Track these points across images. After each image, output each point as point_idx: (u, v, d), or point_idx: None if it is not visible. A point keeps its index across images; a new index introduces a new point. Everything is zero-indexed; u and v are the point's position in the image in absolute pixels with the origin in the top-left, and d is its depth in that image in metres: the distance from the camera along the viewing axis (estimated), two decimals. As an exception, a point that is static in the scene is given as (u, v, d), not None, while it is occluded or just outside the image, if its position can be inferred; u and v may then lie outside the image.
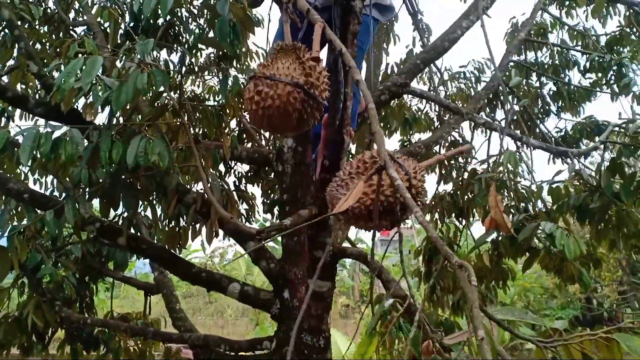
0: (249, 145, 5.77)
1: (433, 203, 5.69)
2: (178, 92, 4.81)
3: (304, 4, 1.98)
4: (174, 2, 3.84)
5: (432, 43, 4.40)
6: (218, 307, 20.78)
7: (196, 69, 6.42)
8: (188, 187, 4.48)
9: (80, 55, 3.36)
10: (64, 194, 4.43)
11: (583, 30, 6.35)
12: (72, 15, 5.81)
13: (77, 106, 3.20)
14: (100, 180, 2.96)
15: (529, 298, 16.34)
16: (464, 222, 5.49)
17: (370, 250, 1.64)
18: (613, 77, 5.69)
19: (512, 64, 5.93)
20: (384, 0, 2.95)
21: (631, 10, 5.66)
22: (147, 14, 2.47)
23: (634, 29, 5.72)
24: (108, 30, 3.89)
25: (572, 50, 6.37)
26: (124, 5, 5.40)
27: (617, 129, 4.11)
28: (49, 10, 5.49)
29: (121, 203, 2.91)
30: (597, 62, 5.71)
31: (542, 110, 6.47)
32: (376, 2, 3.02)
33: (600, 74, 5.93)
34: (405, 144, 6.47)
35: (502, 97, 5.30)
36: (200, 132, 4.21)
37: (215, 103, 5.60)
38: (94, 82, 2.53)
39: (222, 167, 5.80)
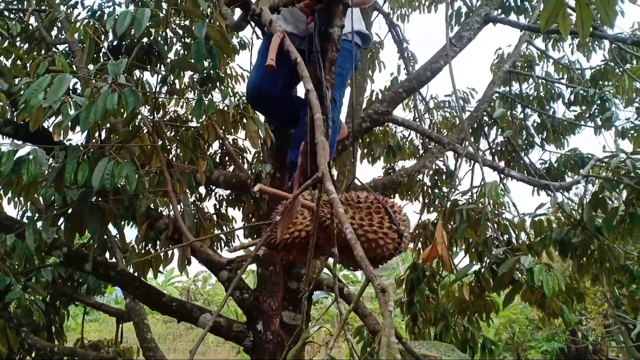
0: (232, 168, 5.69)
1: (417, 232, 5.62)
2: (158, 112, 4.73)
3: (267, 16, 1.94)
4: (152, 23, 3.80)
5: (414, 72, 4.37)
6: (199, 332, 20.38)
7: (178, 88, 6.37)
8: (163, 210, 4.38)
9: (49, 72, 3.28)
10: (37, 216, 4.32)
11: (568, 64, 6.39)
12: (55, 32, 5.75)
13: (48, 126, 3.11)
14: (65, 204, 2.85)
15: (514, 329, 16.21)
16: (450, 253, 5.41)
17: (334, 283, 1.54)
18: (597, 111, 5.71)
19: (496, 95, 5.94)
20: (363, 29, 2.92)
21: (614, 45, 5.70)
22: (120, 34, 2.40)
23: (618, 64, 5.76)
24: (82, 43, 3.82)
25: (557, 83, 6.41)
26: (107, 23, 5.35)
27: (599, 163, 4.08)
28: (30, 27, 5.42)
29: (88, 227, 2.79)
30: (581, 96, 5.73)
31: (526, 141, 6.47)
32: (357, 30, 2.99)
33: (584, 107, 5.96)
34: (390, 171, 6.43)
35: (485, 128, 5.28)
36: (178, 154, 4.13)
37: (198, 125, 5.55)
38: (64, 100, 2.44)
39: (202, 190, 5.71)
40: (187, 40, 5.77)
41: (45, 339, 4.54)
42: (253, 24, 3.89)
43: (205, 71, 4.91)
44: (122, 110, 2.36)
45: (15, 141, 2.69)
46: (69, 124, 2.56)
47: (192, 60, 2.59)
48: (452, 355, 1.02)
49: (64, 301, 4.90)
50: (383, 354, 0.71)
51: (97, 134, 3.06)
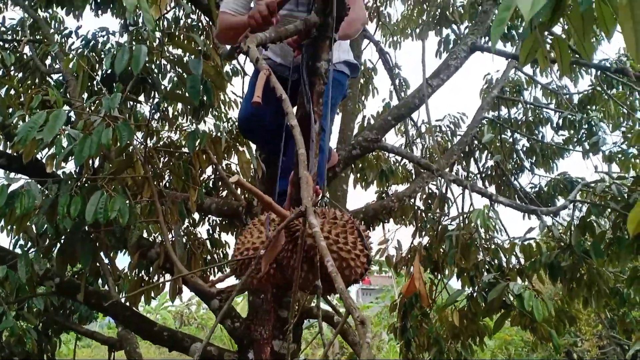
0: (225, 194, 5.72)
1: (409, 256, 5.65)
2: (152, 139, 4.77)
3: (254, 54, 2.00)
4: (148, 54, 3.86)
5: (403, 100, 4.45)
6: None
7: (171, 116, 6.43)
8: (153, 238, 4.40)
9: (44, 104, 3.33)
10: (30, 246, 4.33)
11: (556, 89, 6.51)
12: (49, 61, 5.83)
13: (40, 157, 3.14)
14: (58, 234, 2.87)
15: (510, 351, 16.14)
16: (439, 276, 5.44)
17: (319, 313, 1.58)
18: (584, 135, 5.80)
19: (485, 120, 6.02)
20: (351, 59, 2.99)
21: (600, 72, 5.82)
22: (119, 71, 2.45)
23: (604, 90, 5.87)
24: (75, 74, 3.87)
25: (545, 108, 6.51)
26: (102, 52, 5.43)
27: (586, 188, 4.15)
28: (24, 57, 5.49)
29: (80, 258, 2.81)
30: (569, 120, 5.83)
31: (516, 165, 6.55)
32: (346, 60, 3.06)
33: (572, 132, 6.05)
34: (382, 195, 6.47)
35: (476, 153, 5.36)
36: (169, 181, 4.16)
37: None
38: (58, 133, 2.48)
39: (196, 215, 5.73)
40: (180, 70, 5.86)
41: (37, 367, 4.51)
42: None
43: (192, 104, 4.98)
44: (116, 143, 2.41)
45: (9, 173, 2.73)
46: (57, 154, 2.61)
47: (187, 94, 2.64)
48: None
49: (56, 329, 4.88)
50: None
51: (89, 163, 3.11)
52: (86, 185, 2.63)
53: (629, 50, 1.17)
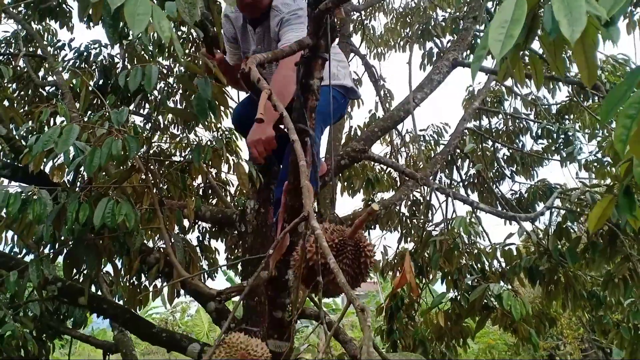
0: (215, 201, 5.88)
1: (395, 261, 5.84)
2: (145, 148, 4.91)
3: (255, 75, 2.17)
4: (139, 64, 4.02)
5: (388, 113, 4.67)
6: (179, 364, 20.11)
7: (162, 125, 6.57)
8: (150, 244, 4.54)
9: (51, 116, 3.47)
10: (25, 252, 4.44)
11: (534, 100, 6.77)
12: (41, 73, 5.94)
13: (42, 167, 3.28)
14: (63, 238, 3.01)
15: (493, 355, 16.37)
16: (424, 280, 5.63)
17: (320, 312, 1.75)
18: (562, 144, 6.05)
19: (467, 130, 6.26)
20: (347, 83, 3.13)
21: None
22: (133, 89, 2.62)
23: (579, 102, 6.14)
24: (78, 90, 4.02)
25: (524, 118, 6.77)
26: (94, 64, 5.57)
27: (562, 195, 4.38)
28: (18, 68, 5.59)
29: (84, 263, 2.96)
30: (547, 130, 6.08)
31: (497, 173, 6.79)
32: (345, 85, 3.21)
33: (550, 141, 6.30)
34: (369, 203, 6.67)
35: (458, 161, 5.58)
36: (165, 188, 4.31)
37: (182, 158, 5.75)
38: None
39: (186, 222, 5.87)
40: (170, 80, 6.02)
41: (32, 372, 4.60)
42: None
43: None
44: (124, 154, 2.57)
45: (21, 183, 2.87)
46: (66, 165, 2.77)
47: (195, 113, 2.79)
48: (419, 367, 1.24)
49: (51, 334, 4.98)
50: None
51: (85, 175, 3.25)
52: (92, 193, 2.79)
53: (583, 80, 1.38)
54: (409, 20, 7.26)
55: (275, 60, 2.61)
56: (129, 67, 4.48)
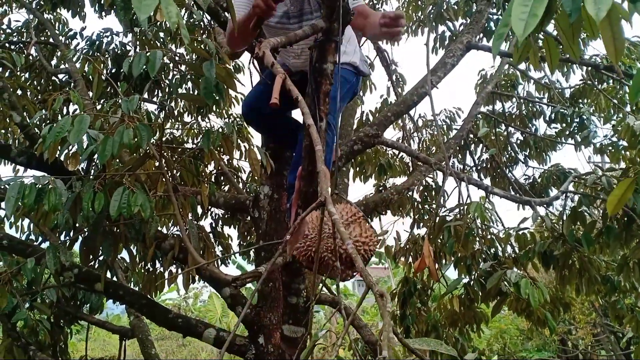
0: (227, 188, 5.89)
1: (408, 247, 5.83)
2: (158, 136, 4.92)
3: (269, 59, 2.15)
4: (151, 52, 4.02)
5: (401, 97, 4.63)
6: (192, 350, 20.36)
7: (175, 112, 6.59)
8: (165, 231, 4.57)
9: (64, 104, 3.48)
10: (41, 240, 4.49)
11: (548, 83, 6.69)
12: (54, 62, 5.96)
13: (57, 155, 3.30)
14: (78, 226, 3.04)
15: (505, 340, 16.40)
16: (437, 266, 5.62)
17: (337, 296, 1.75)
18: (576, 128, 5.99)
19: (480, 114, 6.21)
20: (355, 60, 3.10)
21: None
22: (136, 75, 2.61)
23: (594, 85, 6.06)
24: (90, 78, 4.03)
25: (538, 102, 6.70)
26: (106, 53, 5.57)
27: (577, 180, 4.33)
28: (30, 58, 5.62)
29: (100, 250, 2.98)
30: (561, 114, 6.01)
31: (510, 158, 6.74)
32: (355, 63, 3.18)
33: (564, 125, 6.23)
34: (380, 188, 6.66)
35: (471, 146, 5.54)
36: (178, 175, 4.33)
37: (194, 146, 5.77)
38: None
39: (199, 209, 5.90)
40: (183, 68, 6.02)
41: (50, 356, 4.67)
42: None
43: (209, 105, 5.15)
44: (136, 142, 2.57)
45: (35, 172, 2.89)
46: (80, 153, 2.77)
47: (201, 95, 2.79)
48: (441, 348, 1.24)
49: (68, 320, 5.04)
50: (384, 345, 0.93)
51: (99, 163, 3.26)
52: (106, 182, 2.80)
53: (610, 57, 1.35)
54: (420, 4, 7.17)
55: (289, 44, 2.60)
56: (141, 54, 4.49)
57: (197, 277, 3.91)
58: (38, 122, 3.54)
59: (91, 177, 2.79)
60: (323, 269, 1.71)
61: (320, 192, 1.49)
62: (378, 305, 1.10)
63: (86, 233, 2.96)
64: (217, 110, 6.23)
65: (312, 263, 1.65)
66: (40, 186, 2.56)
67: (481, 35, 5.36)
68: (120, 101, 2.77)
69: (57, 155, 3.11)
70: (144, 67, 2.58)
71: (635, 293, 4.72)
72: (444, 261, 5.48)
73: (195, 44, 4.44)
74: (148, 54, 2.67)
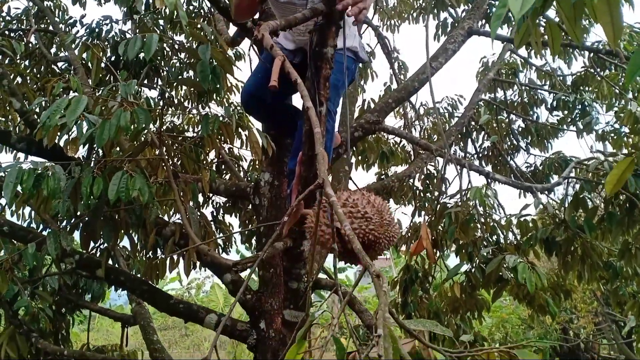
0: (228, 176, 5.89)
1: (409, 234, 5.83)
2: (158, 124, 4.92)
3: (268, 42, 2.12)
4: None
5: (402, 83, 4.60)
6: (194, 340, 20.48)
7: (176, 101, 6.57)
8: (166, 218, 4.57)
9: (64, 92, 3.47)
10: (42, 227, 4.49)
11: (550, 71, 6.65)
12: (53, 49, 5.94)
13: (57, 140, 3.29)
14: (79, 213, 3.03)
15: (507, 329, 16.46)
16: (438, 253, 5.62)
17: (335, 279, 1.75)
18: (578, 116, 5.96)
19: (482, 101, 6.18)
20: (354, 45, 3.08)
21: (592, 54, 5.97)
22: (131, 58, 2.59)
23: (596, 71, 6.02)
24: (90, 65, 4.01)
25: (540, 89, 6.66)
26: (106, 40, 5.55)
27: (579, 165, 4.32)
28: (30, 45, 5.60)
29: (101, 236, 2.98)
30: (563, 101, 5.98)
31: (512, 145, 6.72)
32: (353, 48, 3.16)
33: (566, 112, 6.20)
34: (382, 176, 6.64)
35: (473, 134, 5.52)
36: (179, 163, 4.33)
37: (195, 134, 5.75)
38: (79, 118, 2.63)
39: (200, 198, 5.89)
40: (182, 56, 6.00)
41: (52, 344, 4.69)
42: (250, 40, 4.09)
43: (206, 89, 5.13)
44: (133, 126, 2.56)
45: (32, 158, 2.88)
46: (80, 139, 2.76)
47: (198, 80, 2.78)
48: (436, 329, 1.23)
49: (70, 308, 5.06)
50: (380, 324, 0.92)
51: (99, 150, 3.26)
52: (106, 167, 2.79)
53: (609, 40, 1.33)
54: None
55: (289, 27, 2.58)
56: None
57: (198, 264, 3.91)
58: (37, 109, 3.53)
59: (90, 162, 2.78)
60: (373, 253, 1.68)
61: (319, 174, 1.48)
62: (374, 285, 1.10)
63: (86, 219, 2.95)
64: (218, 98, 6.21)
65: (367, 246, 1.62)
66: (39, 171, 2.55)
67: (483, 21, 5.32)
68: (119, 86, 2.75)
69: (56, 141, 3.11)
70: (140, 50, 2.56)
71: (637, 279, 4.71)
72: (445, 248, 5.49)
73: (195, 30, 4.41)
74: (144, 37, 2.65)
